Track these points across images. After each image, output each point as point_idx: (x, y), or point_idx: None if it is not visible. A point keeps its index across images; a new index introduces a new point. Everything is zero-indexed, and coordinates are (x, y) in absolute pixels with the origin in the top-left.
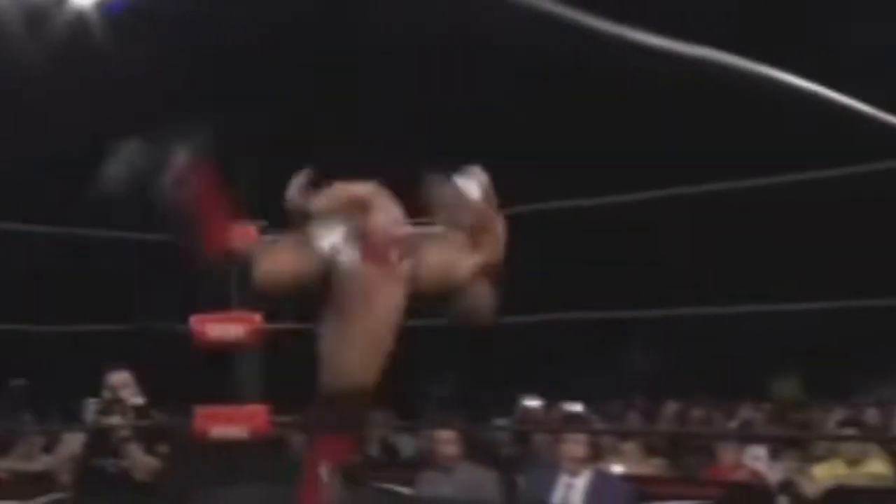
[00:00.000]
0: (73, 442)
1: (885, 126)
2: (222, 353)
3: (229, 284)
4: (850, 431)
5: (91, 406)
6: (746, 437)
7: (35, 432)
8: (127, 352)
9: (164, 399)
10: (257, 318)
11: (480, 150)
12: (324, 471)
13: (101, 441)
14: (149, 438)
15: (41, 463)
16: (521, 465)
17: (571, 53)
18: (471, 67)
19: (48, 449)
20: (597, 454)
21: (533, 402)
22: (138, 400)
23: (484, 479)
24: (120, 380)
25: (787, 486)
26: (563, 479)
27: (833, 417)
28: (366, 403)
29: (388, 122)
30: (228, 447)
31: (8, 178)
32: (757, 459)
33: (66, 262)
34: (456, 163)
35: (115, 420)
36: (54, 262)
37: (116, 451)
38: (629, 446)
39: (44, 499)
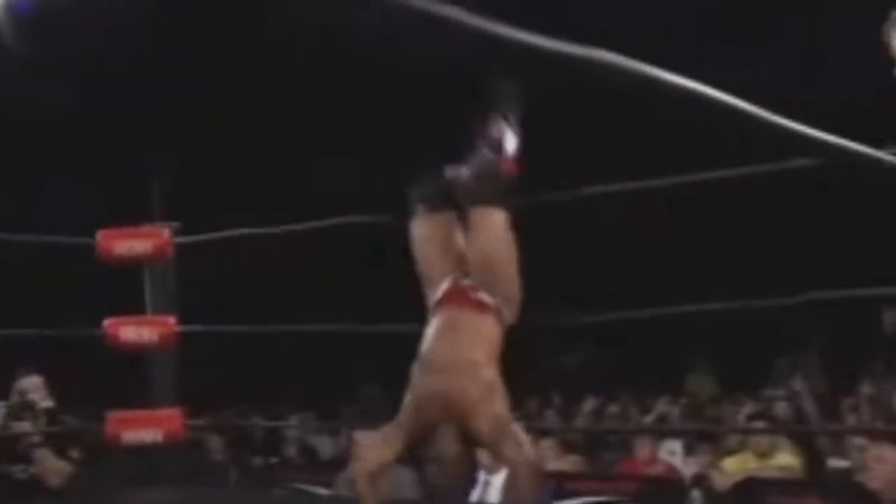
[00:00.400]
0: None
1: (773, 126)
2: (136, 357)
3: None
4: (759, 425)
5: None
6: (661, 431)
7: None
8: (38, 355)
9: (76, 403)
10: (171, 321)
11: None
12: None
13: (9, 447)
14: (60, 443)
15: None
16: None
17: None
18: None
19: None
20: None
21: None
22: (48, 403)
23: (402, 478)
24: (30, 383)
25: (699, 480)
26: (481, 478)
27: (745, 411)
28: None
29: None
30: (143, 450)
31: None
32: (672, 454)
33: None
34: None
35: (24, 425)
36: None
37: (26, 456)
38: (546, 444)
39: None
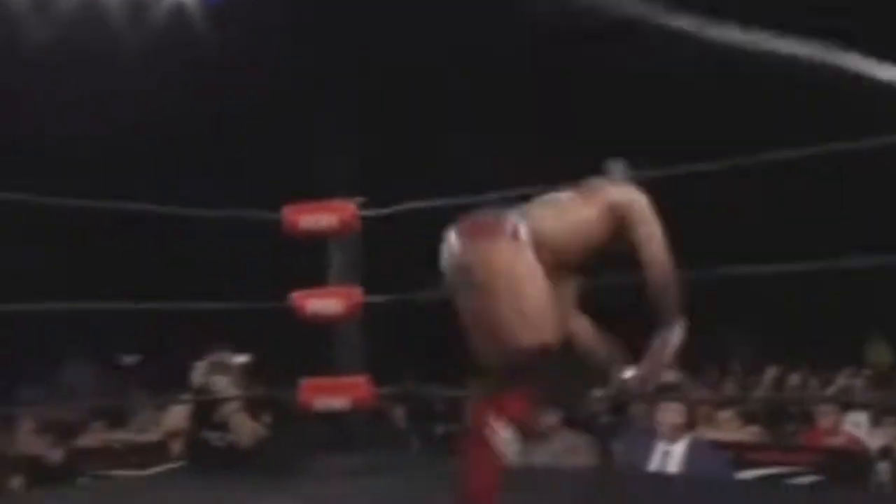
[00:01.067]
0: (179, 414)
1: None
2: (323, 327)
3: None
4: None
5: (198, 368)
6: (845, 402)
7: (147, 405)
8: (234, 328)
9: (269, 373)
10: (356, 292)
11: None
12: (498, 429)
13: (209, 413)
14: (254, 407)
15: (153, 435)
16: (617, 432)
17: None
18: None
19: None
20: (693, 422)
21: (630, 373)
22: (242, 359)
23: (580, 446)
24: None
25: (887, 452)
26: (660, 447)
27: None
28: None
29: None
30: (332, 417)
31: (114, 161)
32: (857, 426)
33: (176, 240)
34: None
35: (221, 380)
36: (164, 241)
37: (223, 425)
38: (726, 414)
39: (156, 469)
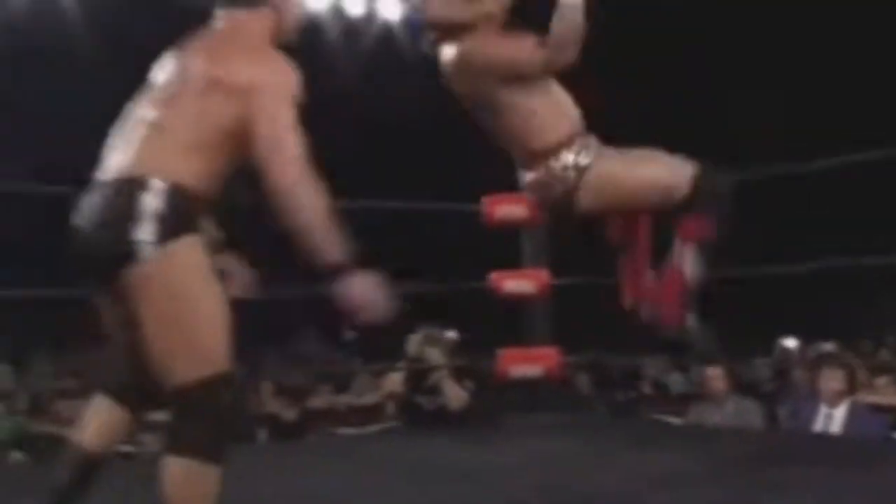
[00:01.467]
0: (395, 380)
1: None
2: (518, 305)
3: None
4: None
5: (413, 339)
6: None
7: (365, 372)
8: (441, 306)
9: (473, 344)
10: (545, 274)
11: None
12: (687, 249)
13: (421, 380)
14: (460, 375)
15: (371, 398)
16: (781, 398)
17: None
18: None
19: (375, 385)
20: (853, 387)
21: (790, 342)
22: (451, 334)
23: (749, 410)
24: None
25: None
26: (823, 410)
27: None
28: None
29: None
30: (525, 384)
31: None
32: None
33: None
34: None
35: (434, 352)
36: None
37: (433, 389)
38: (882, 380)
39: (374, 427)
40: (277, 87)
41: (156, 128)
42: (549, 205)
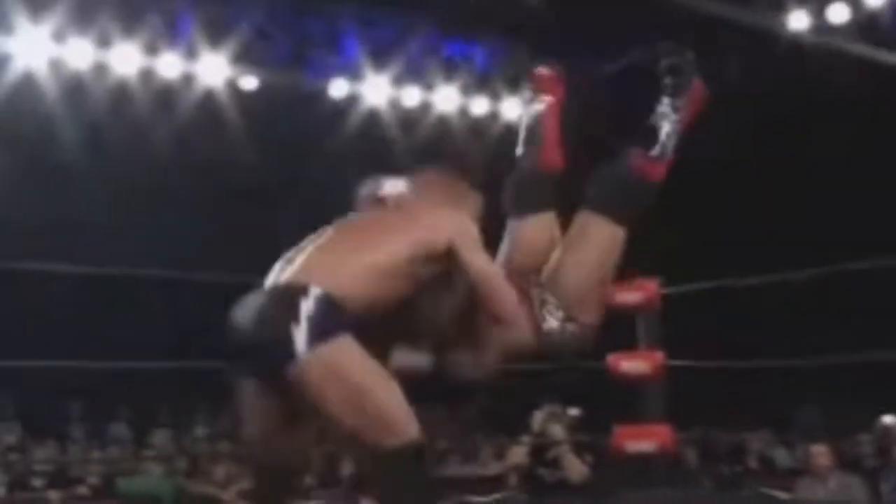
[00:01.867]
0: (519, 452)
1: None
2: (633, 384)
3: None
4: None
5: (538, 415)
6: None
7: (489, 444)
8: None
9: (591, 420)
10: (660, 356)
11: None
12: None
13: (542, 454)
14: (580, 451)
15: (493, 468)
16: (883, 474)
17: None
18: None
19: (498, 456)
20: None
21: (890, 420)
22: (574, 412)
23: (853, 486)
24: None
25: None
26: None
27: None
28: None
29: None
30: (637, 458)
31: None
32: None
33: None
34: None
35: (556, 429)
36: None
37: (555, 462)
38: None
39: (497, 495)
40: (467, 239)
41: (331, 248)
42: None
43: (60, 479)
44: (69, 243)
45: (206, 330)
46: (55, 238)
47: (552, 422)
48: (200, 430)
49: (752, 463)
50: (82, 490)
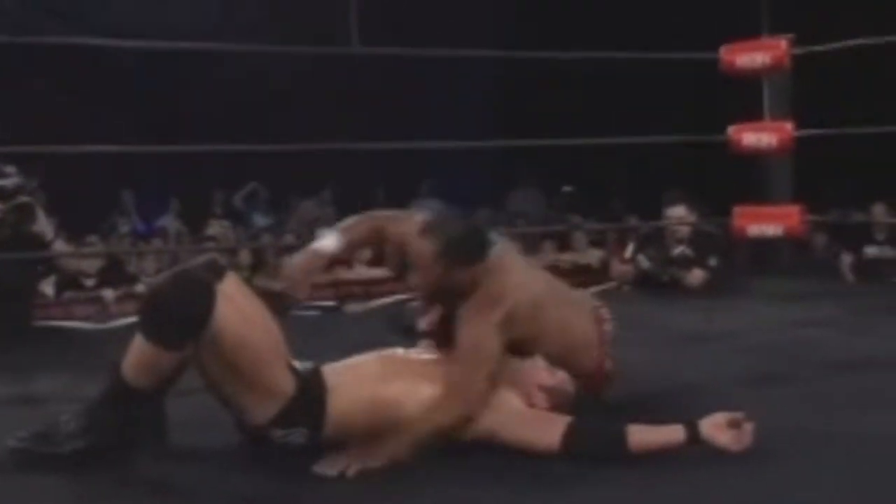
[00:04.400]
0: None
1: None
2: (756, 160)
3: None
4: None
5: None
6: None
7: (587, 230)
8: (675, 162)
9: (708, 202)
10: (788, 126)
11: None
12: None
13: (657, 245)
14: (699, 248)
15: (591, 257)
16: None
17: None
18: None
19: (596, 244)
20: None
21: None
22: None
23: None
24: (676, 213)
25: None
26: None
27: None
28: None
29: None
30: (760, 244)
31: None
32: None
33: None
34: None
35: (675, 210)
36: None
37: (670, 258)
38: None
39: (596, 288)
40: None
41: None
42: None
43: (113, 276)
44: None
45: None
46: None
47: (671, 204)
48: (261, 221)
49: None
50: (140, 288)
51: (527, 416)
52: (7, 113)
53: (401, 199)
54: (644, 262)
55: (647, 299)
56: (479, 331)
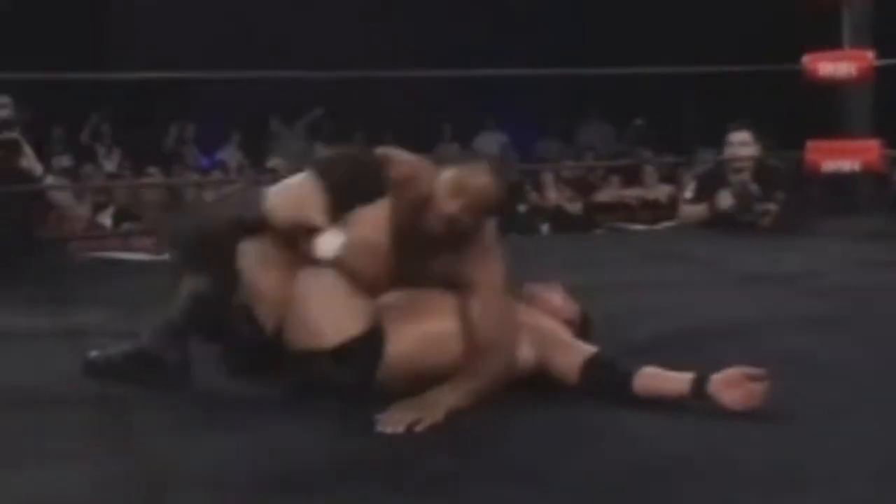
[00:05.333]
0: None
1: None
2: (832, 90)
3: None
4: None
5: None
6: None
7: (657, 165)
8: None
9: (780, 134)
10: (869, 55)
11: None
12: None
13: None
14: (770, 183)
15: (660, 192)
16: None
17: None
18: None
19: (667, 180)
20: None
21: None
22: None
23: None
24: (739, 138)
25: None
26: None
27: None
28: None
29: None
30: (835, 180)
31: None
32: None
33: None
34: None
35: (742, 176)
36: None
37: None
38: None
39: (663, 224)
40: None
41: None
42: None
43: (171, 208)
44: None
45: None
46: None
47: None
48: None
49: None
50: None
51: (559, 342)
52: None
53: (466, 133)
54: (725, 200)
55: (713, 238)
56: (499, 276)
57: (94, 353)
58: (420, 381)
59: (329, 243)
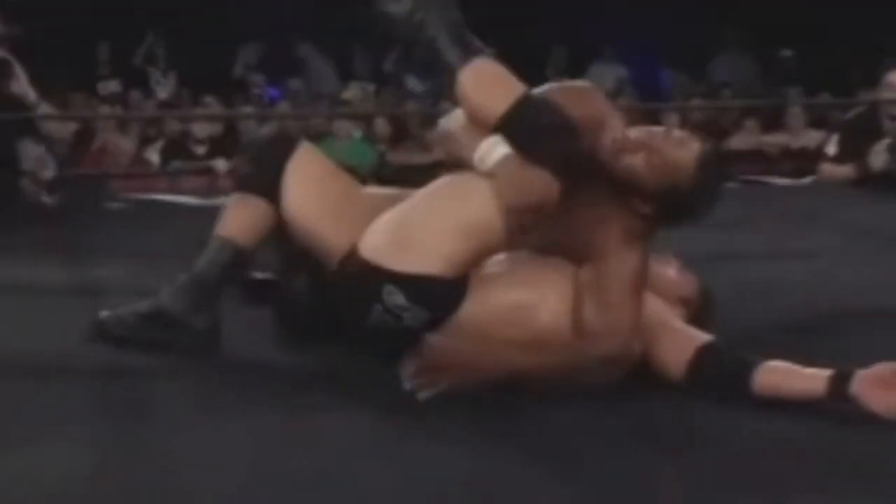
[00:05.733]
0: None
1: None
2: None
3: None
4: None
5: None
6: None
7: (806, 106)
8: None
9: None
10: None
11: None
12: None
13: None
14: None
15: (808, 139)
16: None
17: None
18: None
19: (817, 124)
20: None
21: None
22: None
23: None
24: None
25: None
26: None
27: None
28: None
29: None
30: None
31: None
32: None
33: None
34: None
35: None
36: None
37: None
38: None
39: (811, 178)
40: None
41: None
42: None
43: (226, 145)
44: None
45: None
46: None
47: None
48: (417, 85)
49: None
50: None
51: (665, 326)
52: None
53: (580, 65)
54: (879, 158)
55: (866, 199)
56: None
57: (104, 313)
58: (489, 350)
59: (495, 150)
